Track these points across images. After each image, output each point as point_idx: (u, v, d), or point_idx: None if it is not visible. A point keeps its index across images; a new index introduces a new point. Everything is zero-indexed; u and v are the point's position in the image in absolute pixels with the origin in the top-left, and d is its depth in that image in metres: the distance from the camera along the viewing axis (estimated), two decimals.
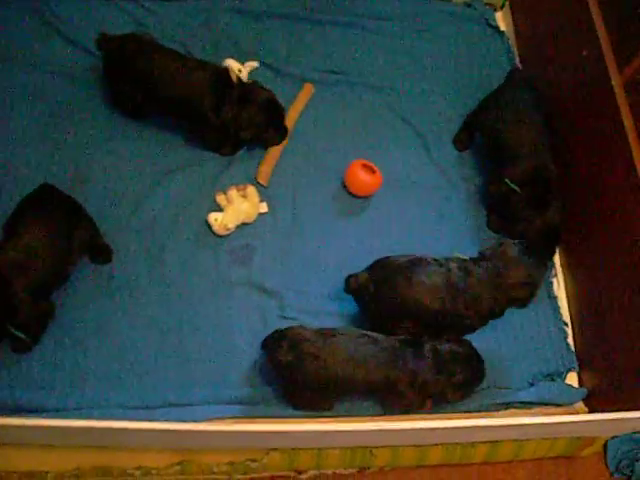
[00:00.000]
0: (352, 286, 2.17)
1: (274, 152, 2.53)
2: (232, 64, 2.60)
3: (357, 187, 2.50)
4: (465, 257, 2.22)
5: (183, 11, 2.79)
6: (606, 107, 2.27)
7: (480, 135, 2.61)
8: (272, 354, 2.05)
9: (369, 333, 2.09)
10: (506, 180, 2.38)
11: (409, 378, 2.04)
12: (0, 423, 1.82)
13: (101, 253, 2.29)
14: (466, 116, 2.67)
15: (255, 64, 2.68)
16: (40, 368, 2.11)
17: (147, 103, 2.45)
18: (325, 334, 2.05)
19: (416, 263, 2.14)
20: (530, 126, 2.42)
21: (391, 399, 2.11)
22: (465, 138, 2.67)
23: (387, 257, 2.18)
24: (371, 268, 2.18)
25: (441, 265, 2.14)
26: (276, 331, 2.09)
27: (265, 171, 2.50)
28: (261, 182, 2.48)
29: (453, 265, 2.15)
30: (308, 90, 2.66)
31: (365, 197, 2.53)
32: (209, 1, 2.82)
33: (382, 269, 2.15)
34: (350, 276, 2.18)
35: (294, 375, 2.03)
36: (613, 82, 2.25)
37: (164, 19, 2.75)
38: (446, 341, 2.11)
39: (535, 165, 2.37)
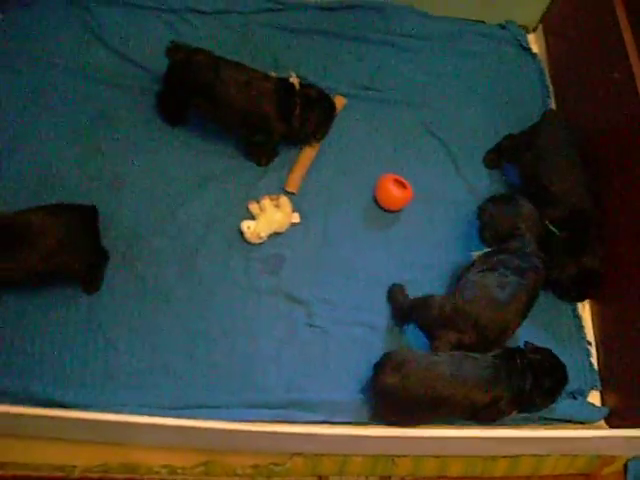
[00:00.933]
0: None
1: (303, 160, 2.58)
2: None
3: (388, 201, 2.54)
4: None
5: (221, 24, 2.84)
6: (637, 128, 2.30)
7: (517, 171, 2.63)
8: (377, 376, 2.09)
9: (468, 353, 2.12)
10: (546, 222, 2.39)
11: (513, 394, 2.07)
12: (32, 414, 1.87)
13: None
14: (499, 142, 2.71)
15: (294, 76, 2.62)
16: (72, 365, 2.16)
17: (208, 114, 2.52)
18: (428, 354, 2.10)
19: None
20: (568, 167, 2.43)
21: (489, 414, 2.12)
22: (495, 158, 2.70)
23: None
24: None
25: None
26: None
27: (294, 179, 2.54)
28: (290, 190, 2.53)
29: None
30: (340, 102, 2.71)
31: (395, 211, 2.56)
32: (246, 15, 2.87)
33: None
34: None
35: (400, 397, 2.06)
36: None
37: (202, 31, 2.81)
38: (530, 351, 2.14)
39: (575, 207, 2.38)
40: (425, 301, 2.25)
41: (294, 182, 2.55)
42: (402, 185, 2.51)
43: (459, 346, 2.16)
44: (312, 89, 2.52)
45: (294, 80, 2.49)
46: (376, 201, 2.57)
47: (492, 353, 2.13)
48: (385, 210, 2.56)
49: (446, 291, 2.42)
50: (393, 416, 2.15)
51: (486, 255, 2.33)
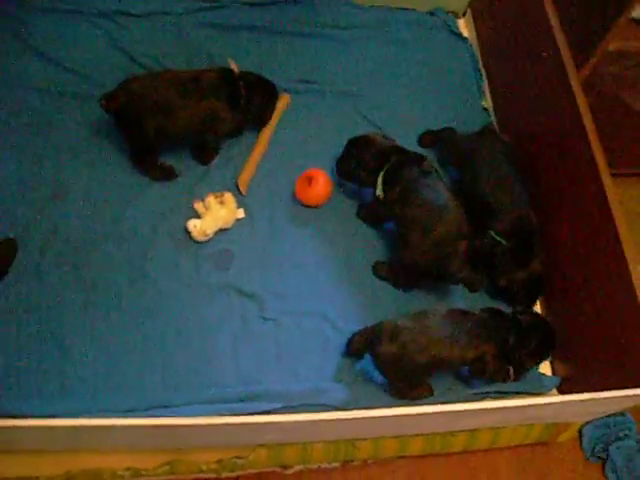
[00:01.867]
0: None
1: (253, 160, 2.60)
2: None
3: (303, 201, 2.57)
4: None
5: (155, 26, 2.85)
6: (566, 106, 2.37)
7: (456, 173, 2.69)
8: (375, 349, 2.15)
9: (458, 309, 2.23)
10: (491, 232, 2.44)
11: (497, 348, 2.18)
12: None
13: None
14: (439, 131, 2.75)
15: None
16: (28, 376, 2.15)
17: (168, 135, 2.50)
18: (419, 317, 2.18)
19: None
20: (507, 181, 2.48)
21: (478, 369, 2.22)
22: (431, 139, 2.75)
23: None
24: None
25: None
26: (370, 328, 2.21)
27: (245, 179, 2.56)
28: (241, 189, 2.55)
29: None
30: (285, 100, 2.73)
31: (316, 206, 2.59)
32: (181, 16, 2.88)
33: None
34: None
35: (401, 364, 2.14)
36: (572, 82, 2.34)
37: (137, 34, 2.81)
38: (519, 312, 2.27)
39: (518, 218, 2.43)
40: None
41: (244, 181, 2.57)
42: (310, 182, 2.53)
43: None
44: (251, 74, 2.57)
45: (234, 66, 2.53)
46: None
47: (482, 308, 2.25)
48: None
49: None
50: (399, 381, 2.22)
51: None
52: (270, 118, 2.65)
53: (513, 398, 2.28)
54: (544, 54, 2.48)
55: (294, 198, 2.57)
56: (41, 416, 2.03)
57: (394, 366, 2.15)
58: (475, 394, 2.31)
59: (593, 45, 2.37)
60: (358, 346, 2.23)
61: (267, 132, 2.65)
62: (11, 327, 2.21)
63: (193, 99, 2.43)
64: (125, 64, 2.73)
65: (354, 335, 2.25)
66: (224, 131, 2.57)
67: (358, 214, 2.58)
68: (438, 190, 2.35)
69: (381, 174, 2.40)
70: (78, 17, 2.81)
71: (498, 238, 2.42)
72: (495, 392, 2.32)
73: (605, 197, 2.20)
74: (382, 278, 2.47)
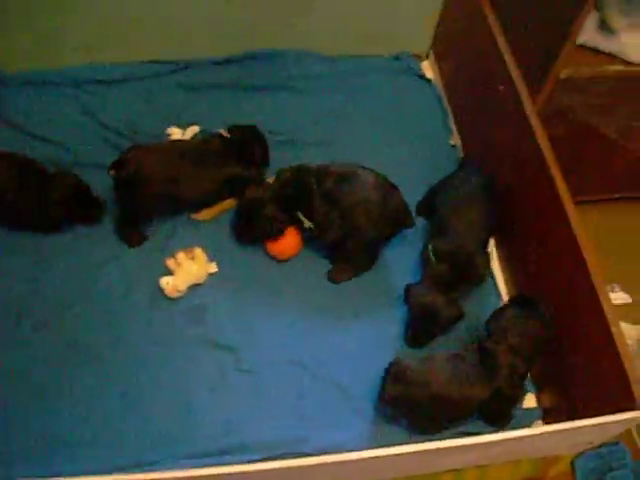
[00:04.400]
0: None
1: (220, 206, 2.66)
2: (174, 131, 2.78)
3: (274, 254, 2.59)
4: None
5: (126, 92, 2.93)
6: (524, 136, 2.39)
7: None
8: (382, 389, 2.19)
9: (456, 351, 2.27)
10: (430, 247, 2.44)
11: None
12: None
13: None
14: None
15: (196, 128, 2.82)
16: (14, 436, 2.17)
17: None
18: (424, 360, 2.22)
19: None
20: (469, 209, 2.48)
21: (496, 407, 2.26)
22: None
23: None
24: None
25: None
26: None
27: (203, 212, 2.64)
28: (196, 217, 2.62)
29: None
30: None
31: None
32: (150, 80, 2.96)
33: None
34: None
35: (407, 406, 2.18)
36: (527, 112, 2.36)
37: (109, 101, 2.90)
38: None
39: (463, 247, 2.41)
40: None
41: (205, 213, 2.63)
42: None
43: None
44: (236, 128, 2.64)
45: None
46: None
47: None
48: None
49: None
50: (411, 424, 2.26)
51: None
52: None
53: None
54: (501, 87, 2.51)
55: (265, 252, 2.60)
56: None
57: (400, 407, 2.20)
58: (456, 434, 2.28)
59: (545, 74, 2.39)
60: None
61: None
62: None
63: (211, 167, 2.52)
64: (99, 131, 2.81)
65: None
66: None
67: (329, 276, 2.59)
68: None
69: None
70: (51, 89, 2.90)
71: (432, 256, 2.41)
72: (471, 432, 2.26)
73: (569, 225, 2.19)
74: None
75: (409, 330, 2.44)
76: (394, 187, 2.49)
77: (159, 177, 2.45)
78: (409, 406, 2.20)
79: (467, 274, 2.41)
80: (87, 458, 2.16)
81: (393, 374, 2.19)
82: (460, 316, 2.38)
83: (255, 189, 2.49)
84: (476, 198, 2.51)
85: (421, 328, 2.40)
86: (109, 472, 2.07)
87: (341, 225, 2.43)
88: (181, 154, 2.51)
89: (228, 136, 2.60)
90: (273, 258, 2.58)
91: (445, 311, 2.35)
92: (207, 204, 2.62)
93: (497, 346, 2.22)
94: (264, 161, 2.68)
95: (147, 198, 2.48)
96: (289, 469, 2.01)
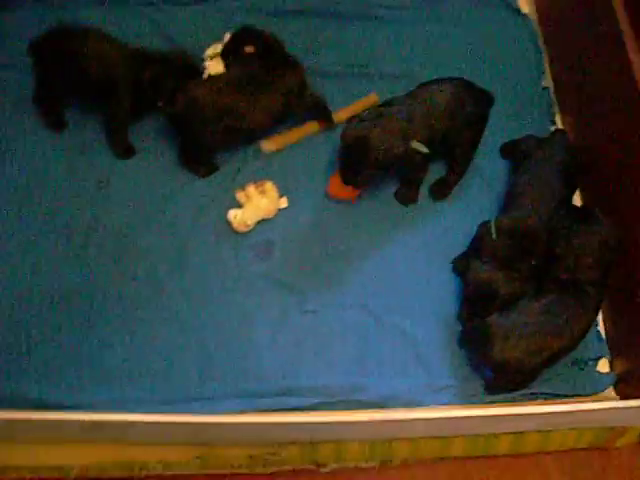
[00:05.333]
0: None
1: (296, 132, 2.58)
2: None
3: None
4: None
5: (201, 13, 2.83)
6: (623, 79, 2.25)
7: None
8: (490, 352, 2.12)
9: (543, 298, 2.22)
10: (491, 222, 2.32)
11: None
12: (28, 418, 1.91)
13: None
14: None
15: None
16: (66, 366, 2.17)
17: None
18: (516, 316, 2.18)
19: None
20: (541, 183, 2.37)
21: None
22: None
23: None
24: None
25: None
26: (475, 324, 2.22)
27: (275, 139, 2.55)
28: (265, 147, 2.54)
29: None
30: (371, 99, 2.66)
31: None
32: (226, 2, 2.85)
33: None
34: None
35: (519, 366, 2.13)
36: (631, 56, 2.20)
37: (182, 21, 2.80)
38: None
39: (521, 220, 2.30)
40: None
41: (274, 141, 2.55)
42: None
43: None
44: (247, 37, 2.56)
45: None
46: None
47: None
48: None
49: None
50: (513, 385, 2.21)
51: None
52: None
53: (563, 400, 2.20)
54: (602, 28, 2.33)
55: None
56: (78, 407, 2.08)
57: (513, 369, 2.13)
58: (523, 394, 2.21)
59: None
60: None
61: (338, 119, 2.60)
62: (50, 316, 2.24)
63: (264, 97, 2.43)
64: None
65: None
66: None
67: (396, 196, 2.51)
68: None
69: None
70: (124, 7, 2.82)
71: (493, 229, 2.29)
72: (543, 393, 2.22)
73: None
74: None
75: (464, 306, 2.33)
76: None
77: (212, 110, 2.37)
78: (515, 369, 2.13)
79: (529, 251, 2.27)
80: (138, 389, 2.16)
81: (500, 335, 2.11)
82: (522, 294, 2.26)
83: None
84: (555, 180, 2.38)
85: (478, 306, 2.27)
86: (157, 405, 2.11)
87: None
88: (229, 83, 2.43)
89: (252, 50, 2.51)
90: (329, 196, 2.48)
91: (504, 288, 2.22)
92: (268, 129, 2.53)
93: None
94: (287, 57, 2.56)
95: (202, 132, 2.40)
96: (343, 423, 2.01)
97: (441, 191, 2.53)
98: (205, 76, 2.62)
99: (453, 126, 2.38)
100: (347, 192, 2.41)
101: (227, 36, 2.63)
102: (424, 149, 2.33)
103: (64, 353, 2.19)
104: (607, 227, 2.27)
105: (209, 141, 2.44)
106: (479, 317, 2.25)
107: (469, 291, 2.28)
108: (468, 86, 2.43)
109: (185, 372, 2.20)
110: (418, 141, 2.31)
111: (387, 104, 2.40)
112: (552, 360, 2.17)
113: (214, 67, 2.64)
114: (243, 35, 2.56)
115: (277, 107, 2.46)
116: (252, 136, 2.53)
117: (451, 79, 2.45)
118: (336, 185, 2.41)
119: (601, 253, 2.24)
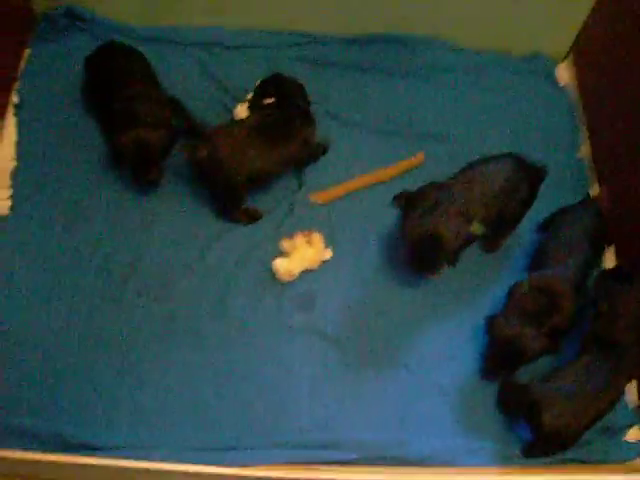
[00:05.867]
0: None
1: (345, 186, 2.63)
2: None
3: None
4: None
5: (247, 58, 2.88)
6: None
7: None
8: (542, 420, 2.14)
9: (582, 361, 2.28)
10: (525, 282, 2.38)
11: None
12: (58, 460, 1.89)
13: None
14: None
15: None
16: (102, 406, 2.17)
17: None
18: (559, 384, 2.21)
19: None
20: (571, 244, 2.45)
21: None
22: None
23: None
24: None
25: None
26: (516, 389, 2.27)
27: (326, 193, 2.60)
28: (314, 199, 2.58)
29: None
30: (419, 159, 2.72)
31: None
32: (273, 49, 2.90)
33: None
34: None
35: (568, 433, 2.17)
36: None
37: (229, 66, 2.85)
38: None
39: (546, 279, 2.36)
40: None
41: (323, 195, 2.59)
42: None
43: None
44: (268, 88, 2.62)
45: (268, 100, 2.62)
46: None
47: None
48: None
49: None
50: (554, 450, 2.25)
51: None
52: None
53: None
54: None
55: (382, 241, 2.55)
56: (112, 448, 2.09)
57: (562, 436, 2.17)
58: (556, 460, 2.24)
59: None
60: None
61: (377, 175, 2.66)
62: (89, 356, 2.24)
63: (281, 142, 2.48)
64: (217, 94, 2.77)
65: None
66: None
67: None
68: None
69: None
70: (173, 47, 2.86)
71: (526, 285, 2.36)
72: (575, 459, 2.26)
73: None
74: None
75: (488, 361, 2.36)
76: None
77: (232, 159, 2.40)
78: (563, 436, 2.17)
79: (553, 313, 2.32)
80: (173, 433, 2.16)
81: (547, 402, 2.15)
82: (551, 348, 2.30)
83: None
84: (583, 240, 2.45)
85: (504, 360, 2.32)
86: (194, 451, 2.10)
87: None
88: (248, 131, 2.46)
89: (272, 100, 2.57)
90: None
91: (533, 344, 2.26)
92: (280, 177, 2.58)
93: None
94: (306, 102, 2.63)
95: (225, 182, 2.43)
96: None
97: (490, 246, 2.59)
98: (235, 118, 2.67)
99: (508, 204, 2.44)
100: None
101: (257, 82, 2.68)
102: (483, 229, 2.39)
103: (99, 393, 2.19)
104: None
105: (229, 187, 2.46)
106: (505, 372, 2.32)
107: (495, 347, 2.33)
108: (521, 163, 2.47)
109: (221, 420, 2.20)
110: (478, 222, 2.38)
111: (439, 188, 2.44)
112: (594, 422, 2.20)
113: (242, 112, 2.67)
114: (269, 83, 2.62)
115: (293, 155, 2.52)
116: (268, 182, 2.56)
117: (503, 156, 2.48)
118: None
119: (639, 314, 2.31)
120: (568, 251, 2.42)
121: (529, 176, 2.47)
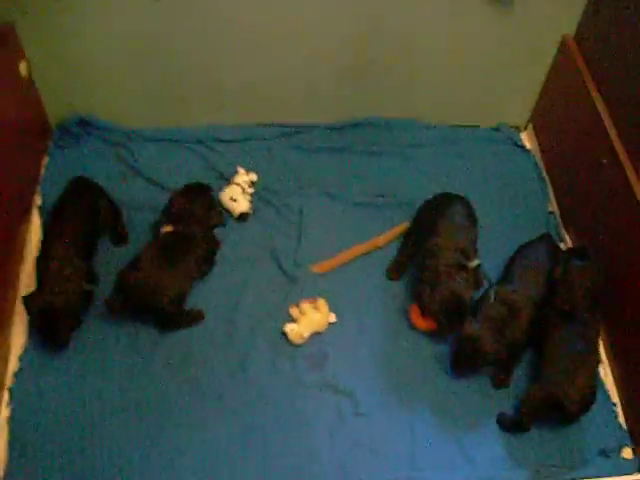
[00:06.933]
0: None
1: (341, 256, 2.87)
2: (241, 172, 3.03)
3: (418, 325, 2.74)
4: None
5: (247, 151, 3.18)
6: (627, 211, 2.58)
7: None
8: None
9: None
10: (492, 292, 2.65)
11: None
12: None
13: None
14: None
15: (254, 177, 3.05)
16: (133, 470, 2.33)
17: None
18: None
19: None
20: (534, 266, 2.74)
21: None
22: None
23: None
24: None
25: None
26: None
27: (326, 263, 2.83)
28: (315, 270, 2.81)
29: None
30: (403, 227, 2.97)
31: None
32: (270, 140, 3.22)
33: None
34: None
35: None
36: (634, 186, 2.52)
37: (228, 158, 3.14)
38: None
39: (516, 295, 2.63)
40: None
41: (323, 266, 2.82)
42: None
43: None
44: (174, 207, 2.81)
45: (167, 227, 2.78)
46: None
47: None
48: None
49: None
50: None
51: None
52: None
53: None
54: (604, 161, 2.69)
55: (380, 303, 2.79)
56: None
57: None
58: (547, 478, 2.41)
59: None
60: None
61: (368, 244, 2.91)
62: (115, 421, 2.42)
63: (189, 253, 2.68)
64: (219, 183, 3.03)
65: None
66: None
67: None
68: None
69: None
70: (176, 145, 3.17)
71: (492, 295, 2.62)
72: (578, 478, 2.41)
73: None
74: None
75: (452, 357, 2.60)
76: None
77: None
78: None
79: (511, 324, 2.57)
80: None
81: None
82: (502, 356, 2.54)
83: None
84: (541, 262, 2.74)
85: (463, 357, 2.56)
86: None
87: None
88: (163, 250, 2.63)
89: (171, 229, 2.72)
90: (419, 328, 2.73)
91: (486, 347, 2.50)
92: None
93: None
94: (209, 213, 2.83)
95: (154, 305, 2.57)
96: None
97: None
98: (235, 215, 2.94)
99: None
100: (429, 323, 2.69)
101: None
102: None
103: (130, 457, 2.35)
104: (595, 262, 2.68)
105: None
106: (463, 371, 2.59)
107: (457, 343, 2.57)
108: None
109: (248, 474, 2.36)
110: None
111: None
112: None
113: (240, 206, 2.94)
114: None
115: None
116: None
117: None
118: (417, 317, 2.70)
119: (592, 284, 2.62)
120: (532, 271, 2.70)
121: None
